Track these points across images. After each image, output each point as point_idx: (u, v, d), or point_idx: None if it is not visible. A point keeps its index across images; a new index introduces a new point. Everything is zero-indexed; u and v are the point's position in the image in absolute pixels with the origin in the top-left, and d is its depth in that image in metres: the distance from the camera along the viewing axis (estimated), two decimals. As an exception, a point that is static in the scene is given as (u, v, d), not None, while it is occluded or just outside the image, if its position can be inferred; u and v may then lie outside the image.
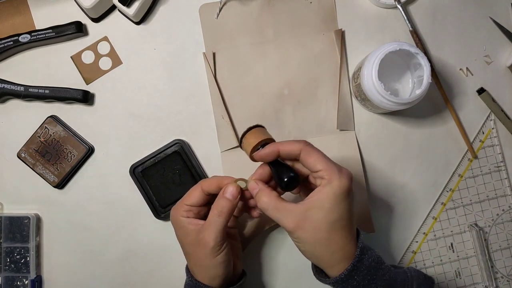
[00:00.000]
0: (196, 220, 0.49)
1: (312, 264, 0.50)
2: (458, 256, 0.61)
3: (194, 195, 0.49)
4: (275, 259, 0.61)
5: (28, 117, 0.60)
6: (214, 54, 0.60)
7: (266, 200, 0.45)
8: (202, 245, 0.47)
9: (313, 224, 0.43)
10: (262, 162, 0.48)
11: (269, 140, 0.47)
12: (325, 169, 0.43)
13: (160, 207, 0.59)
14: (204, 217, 0.51)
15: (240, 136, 0.48)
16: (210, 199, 0.50)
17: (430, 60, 0.60)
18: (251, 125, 0.48)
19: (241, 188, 0.48)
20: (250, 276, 0.55)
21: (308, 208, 0.44)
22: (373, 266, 0.45)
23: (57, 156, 0.59)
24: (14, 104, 0.60)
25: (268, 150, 0.46)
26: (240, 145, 0.48)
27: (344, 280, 0.45)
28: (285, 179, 0.45)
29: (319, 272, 0.48)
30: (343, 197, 0.43)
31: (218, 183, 0.49)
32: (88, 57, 0.60)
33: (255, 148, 0.46)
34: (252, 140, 0.47)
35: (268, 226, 0.59)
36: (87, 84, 0.60)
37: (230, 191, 0.48)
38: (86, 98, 0.59)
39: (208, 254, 0.47)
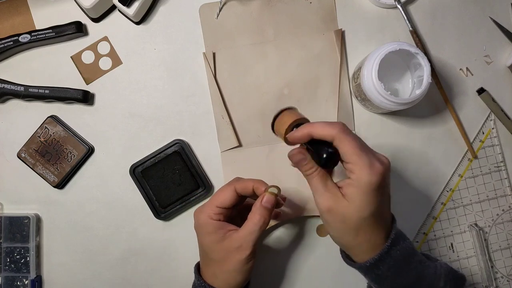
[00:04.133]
0: (227, 225, 0.48)
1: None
2: (458, 256, 0.61)
3: (227, 196, 0.49)
4: (279, 260, 0.61)
5: (28, 117, 0.60)
6: (214, 54, 0.60)
7: (312, 167, 0.44)
8: (238, 252, 0.47)
9: (343, 215, 0.43)
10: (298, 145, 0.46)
11: (302, 120, 0.46)
12: (355, 162, 0.42)
13: (160, 207, 0.59)
14: (230, 219, 0.50)
15: (272, 120, 0.47)
16: (239, 201, 0.50)
17: (430, 60, 0.60)
18: (283, 108, 0.47)
19: (276, 196, 0.48)
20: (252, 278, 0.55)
21: (341, 198, 0.43)
22: (401, 259, 0.44)
23: (57, 156, 0.59)
24: (14, 104, 0.60)
25: (300, 133, 0.44)
26: (273, 129, 0.47)
27: (369, 268, 0.44)
28: (324, 155, 0.43)
29: (346, 254, 0.48)
30: (373, 194, 0.42)
31: (254, 187, 0.49)
32: (88, 57, 0.60)
33: (289, 130, 0.45)
34: (285, 119, 0.45)
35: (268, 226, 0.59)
36: (87, 84, 0.60)
37: (268, 200, 0.48)
38: (86, 98, 0.59)
39: (243, 261, 0.47)
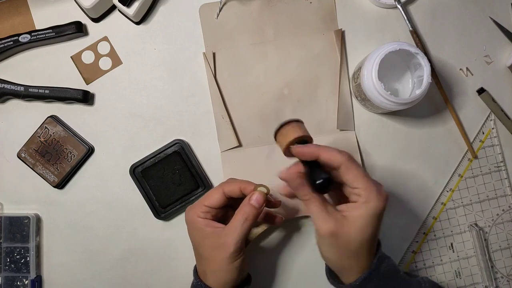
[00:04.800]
0: (213, 223, 0.48)
1: (327, 269, 0.50)
2: (458, 256, 0.61)
3: (215, 196, 0.49)
4: (276, 261, 0.61)
5: (28, 117, 0.60)
6: (214, 54, 0.60)
7: (311, 191, 0.44)
8: (222, 250, 0.46)
9: (345, 238, 0.43)
10: (296, 159, 0.46)
11: (306, 138, 0.46)
12: (364, 188, 0.43)
13: (160, 207, 0.59)
14: (220, 219, 0.50)
15: (276, 127, 0.46)
16: (229, 201, 0.50)
17: (430, 60, 0.60)
18: (289, 119, 0.46)
19: (266, 195, 0.48)
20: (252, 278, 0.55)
21: (344, 221, 0.43)
22: (388, 276, 0.45)
23: (57, 156, 0.59)
24: (14, 104, 0.60)
25: (308, 150, 0.44)
26: (275, 136, 0.47)
27: (358, 286, 0.44)
28: (320, 181, 0.43)
29: (333, 277, 0.49)
30: (376, 218, 0.43)
31: (241, 188, 0.49)
32: (88, 57, 0.60)
33: (292, 143, 0.45)
34: (290, 133, 0.45)
35: (267, 226, 0.58)
36: (87, 84, 0.60)
37: (256, 199, 0.47)
38: (86, 98, 0.59)
39: (227, 259, 0.47)
